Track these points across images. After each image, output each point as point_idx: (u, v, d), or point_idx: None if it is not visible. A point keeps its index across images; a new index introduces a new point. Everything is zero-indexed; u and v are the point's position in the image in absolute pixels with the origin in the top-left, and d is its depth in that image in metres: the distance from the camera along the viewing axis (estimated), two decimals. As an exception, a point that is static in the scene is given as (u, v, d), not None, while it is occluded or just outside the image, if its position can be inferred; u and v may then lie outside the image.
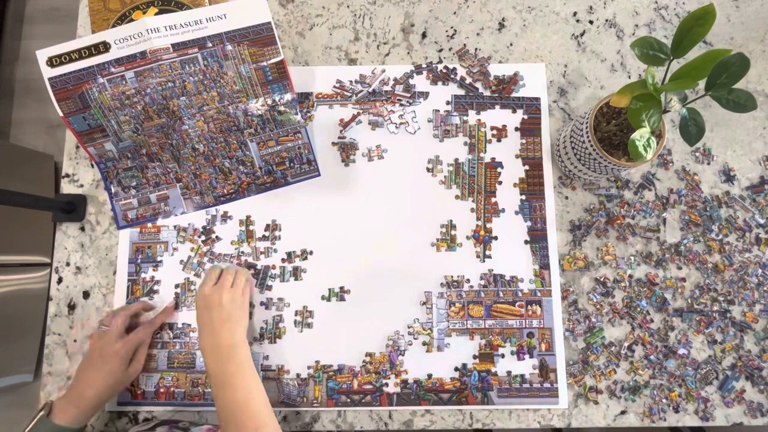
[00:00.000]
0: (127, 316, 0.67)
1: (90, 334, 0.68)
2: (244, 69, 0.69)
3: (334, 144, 0.76)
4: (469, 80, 0.77)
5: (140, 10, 0.71)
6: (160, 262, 0.72)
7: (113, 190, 0.73)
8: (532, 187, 0.74)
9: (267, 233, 0.73)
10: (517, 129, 0.76)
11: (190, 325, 0.71)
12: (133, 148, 0.70)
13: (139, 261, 0.72)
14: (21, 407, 1.50)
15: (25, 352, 1.41)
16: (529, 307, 0.71)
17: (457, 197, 0.74)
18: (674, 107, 0.57)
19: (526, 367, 0.70)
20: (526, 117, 0.76)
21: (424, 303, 0.71)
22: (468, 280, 0.72)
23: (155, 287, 0.72)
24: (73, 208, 0.73)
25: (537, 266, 0.72)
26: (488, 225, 0.73)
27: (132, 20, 0.70)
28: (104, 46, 0.67)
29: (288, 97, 0.72)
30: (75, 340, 0.70)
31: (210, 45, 0.68)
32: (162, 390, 0.69)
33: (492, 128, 0.76)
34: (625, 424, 0.69)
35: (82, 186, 0.75)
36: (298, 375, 0.69)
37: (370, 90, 0.77)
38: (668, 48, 0.55)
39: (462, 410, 0.69)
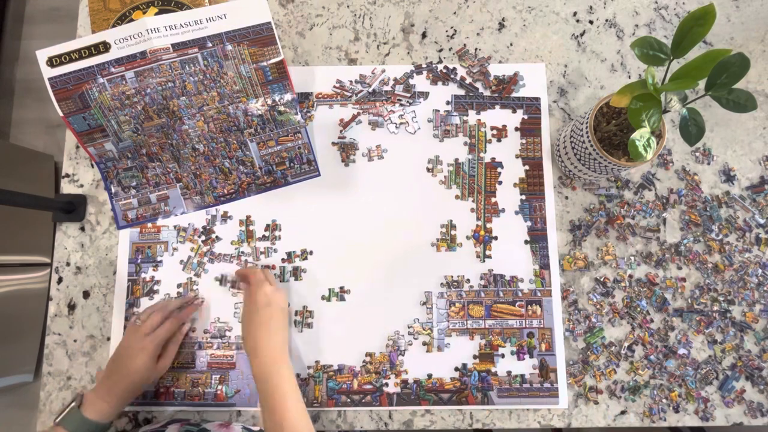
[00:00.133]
0: (164, 314, 0.66)
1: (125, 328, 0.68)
2: (244, 69, 0.69)
3: (334, 144, 0.76)
4: (469, 80, 0.77)
5: (140, 10, 0.71)
6: (160, 262, 0.72)
7: (113, 190, 0.73)
8: (532, 187, 0.74)
9: (267, 233, 0.73)
10: (517, 129, 0.76)
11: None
12: (133, 148, 0.70)
13: (139, 261, 0.72)
14: (21, 407, 1.50)
15: (25, 352, 1.41)
16: (529, 307, 0.71)
17: (457, 197, 0.74)
18: (674, 107, 0.57)
19: (526, 367, 0.70)
20: (526, 117, 0.76)
21: (424, 303, 0.71)
22: (468, 280, 0.72)
23: (155, 287, 0.72)
24: (73, 208, 0.73)
25: (537, 266, 0.72)
26: (488, 225, 0.73)
27: (132, 20, 0.70)
28: (104, 46, 0.67)
29: (288, 97, 0.72)
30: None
31: (210, 45, 0.68)
32: (162, 390, 0.69)
33: (492, 128, 0.76)
34: (625, 424, 0.69)
35: (82, 186, 0.75)
36: (298, 375, 0.69)
37: (370, 90, 0.77)
38: (668, 48, 0.55)
39: (462, 410, 0.69)
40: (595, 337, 0.71)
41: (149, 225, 0.73)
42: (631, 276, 0.72)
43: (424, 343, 0.70)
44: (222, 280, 0.71)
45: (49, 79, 0.67)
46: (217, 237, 0.73)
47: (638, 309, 0.71)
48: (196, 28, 0.68)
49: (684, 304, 0.72)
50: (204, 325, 0.71)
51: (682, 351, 0.70)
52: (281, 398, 0.58)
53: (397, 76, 0.78)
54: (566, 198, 0.74)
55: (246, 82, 0.69)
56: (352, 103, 0.77)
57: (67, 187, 0.75)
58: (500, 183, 0.75)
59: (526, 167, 0.75)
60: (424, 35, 0.79)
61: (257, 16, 0.70)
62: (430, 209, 0.74)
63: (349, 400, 0.69)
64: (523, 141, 0.76)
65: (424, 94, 0.77)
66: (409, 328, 0.71)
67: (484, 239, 0.73)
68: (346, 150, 0.75)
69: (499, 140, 0.76)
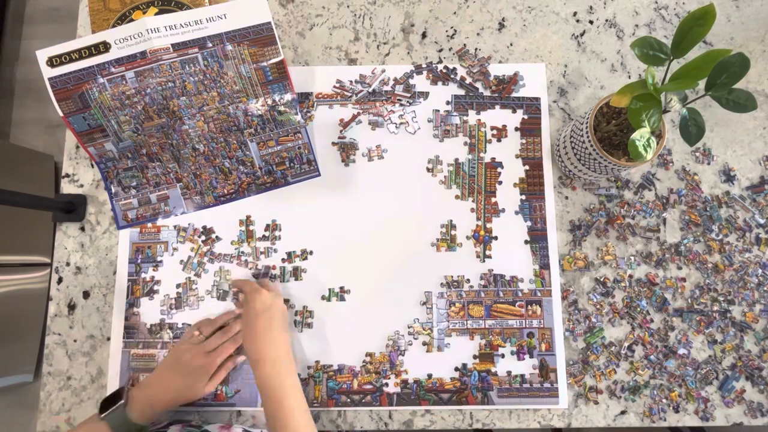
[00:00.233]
0: (227, 335, 0.66)
1: (182, 339, 0.68)
2: (245, 69, 0.69)
3: (334, 144, 0.76)
4: (469, 80, 0.77)
5: (140, 10, 0.71)
6: (160, 262, 0.72)
7: (113, 190, 0.73)
8: (532, 187, 0.74)
9: (267, 233, 0.73)
10: (517, 129, 0.76)
11: (189, 324, 0.71)
12: (133, 148, 0.70)
13: (139, 261, 0.72)
14: (21, 407, 1.50)
15: (25, 352, 1.41)
16: (529, 307, 0.71)
17: (457, 197, 0.74)
18: (674, 107, 0.57)
19: (526, 367, 0.70)
20: (526, 117, 0.76)
21: (424, 303, 0.71)
22: (468, 280, 0.72)
23: (155, 287, 0.72)
24: (73, 208, 0.73)
25: (537, 266, 0.72)
26: (488, 225, 0.73)
27: (132, 20, 0.70)
28: (104, 46, 0.67)
29: (288, 97, 0.72)
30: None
31: (210, 45, 0.68)
32: (162, 390, 0.69)
33: (492, 128, 0.76)
34: (625, 424, 0.69)
35: (82, 186, 0.75)
36: (298, 375, 0.69)
37: (370, 90, 0.77)
38: (668, 48, 0.55)
39: (462, 410, 0.69)
40: (595, 337, 0.71)
41: (149, 225, 0.73)
42: (631, 276, 0.72)
43: (424, 343, 0.70)
44: (220, 295, 0.71)
45: (49, 79, 0.67)
46: (217, 237, 0.73)
47: (638, 309, 0.71)
48: (196, 28, 0.68)
49: (684, 304, 0.72)
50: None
51: (682, 351, 0.70)
52: (288, 413, 0.57)
53: (397, 76, 0.78)
54: (566, 198, 0.74)
55: (246, 82, 0.69)
56: (352, 103, 0.77)
57: (67, 187, 0.75)
58: (500, 183, 0.75)
59: (526, 167, 0.75)
60: (424, 35, 0.79)
61: (257, 16, 0.70)
62: (430, 209, 0.74)
63: (349, 400, 0.69)
64: (523, 141, 0.76)
65: (424, 94, 0.77)
66: (409, 328, 0.71)
67: (484, 239, 0.73)
68: (346, 150, 0.75)
69: (499, 140, 0.76)
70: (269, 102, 0.71)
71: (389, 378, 0.69)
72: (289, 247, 0.73)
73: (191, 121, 0.69)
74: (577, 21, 0.80)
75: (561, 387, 0.69)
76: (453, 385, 0.69)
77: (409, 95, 0.77)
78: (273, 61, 0.70)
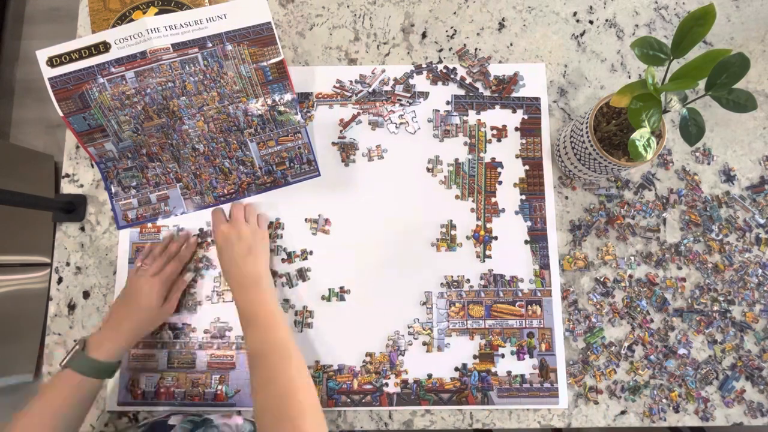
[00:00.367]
0: (168, 256, 0.69)
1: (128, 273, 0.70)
2: (244, 69, 0.69)
3: (334, 144, 0.76)
4: (469, 80, 0.77)
5: (140, 10, 0.71)
6: (160, 262, 0.73)
7: (113, 190, 0.73)
8: (532, 187, 0.74)
9: (269, 231, 0.73)
10: (517, 129, 0.76)
11: (189, 324, 0.71)
12: (133, 148, 0.70)
13: (139, 261, 0.73)
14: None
15: (25, 352, 1.41)
16: (529, 307, 0.71)
17: (457, 197, 0.74)
18: (674, 107, 0.57)
19: (526, 367, 0.70)
20: (526, 117, 0.76)
21: (424, 303, 0.71)
22: (468, 280, 0.72)
23: (155, 287, 0.72)
24: (73, 208, 0.73)
25: (537, 266, 0.72)
26: (488, 225, 0.73)
27: (132, 20, 0.70)
28: (104, 46, 0.67)
29: (288, 97, 0.72)
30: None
31: (210, 45, 0.68)
32: (162, 390, 0.69)
33: (492, 128, 0.76)
34: (625, 424, 0.69)
35: (82, 186, 0.75)
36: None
37: (370, 90, 0.77)
38: (668, 48, 0.55)
39: (462, 410, 0.69)
40: (595, 337, 0.71)
41: (149, 225, 0.73)
42: (631, 276, 0.72)
43: (424, 343, 0.70)
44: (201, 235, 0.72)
45: (49, 79, 0.67)
46: (212, 241, 0.73)
47: (638, 309, 0.71)
48: (196, 28, 0.68)
49: (684, 304, 0.72)
50: (204, 324, 0.71)
51: (682, 351, 0.70)
52: (266, 316, 0.61)
53: (397, 76, 0.78)
54: (566, 198, 0.74)
55: (246, 82, 0.69)
56: (352, 103, 0.77)
57: (67, 187, 0.75)
58: (500, 183, 0.75)
59: (526, 167, 0.75)
60: (424, 35, 0.79)
61: (257, 16, 0.70)
62: (430, 209, 0.74)
63: (349, 400, 0.69)
64: (523, 141, 0.76)
65: (424, 94, 0.77)
66: (409, 328, 0.71)
67: (484, 239, 0.73)
68: (346, 150, 0.75)
69: (499, 140, 0.76)
70: (269, 102, 0.71)
71: (389, 378, 0.69)
72: (289, 247, 0.73)
73: (191, 121, 0.69)
74: (577, 21, 0.80)
75: (561, 387, 0.69)
76: (453, 385, 0.69)
77: (409, 95, 0.77)
78: (273, 61, 0.70)
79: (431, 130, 0.76)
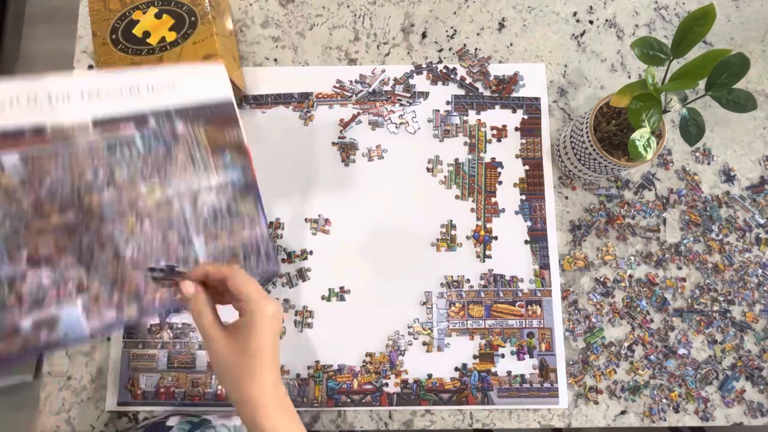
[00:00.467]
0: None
1: None
2: (198, 153, 0.50)
3: (334, 144, 0.76)
4: (469, 80, 0.78)
5: (140, 10, 0.71)
6: (160, 262, 0.72)
7: None
8: (532, 187, 0.74)
9: (270, 230, 0.73)
10: (517, 129, 0.76)
11: (189, 324, 0.71)
12: (2, 249, 0.43)
13: (139, 261, 0.72)
14: (21, 407, 1.50)
15: (25, 352, 1.41)
16: (529, 307, 0.71)
17: (457, 197, 0.74)
18: (674, 107, 0.57)
19: (526, 367, 0.70)
20: (526, 117, 0.76)
21: (424, 303, 0.71)
22: (468, 280, 0.72)
23: (155, 287, 0.71)
24: (73, 209, 0.71)
25: (537, 266, 0.72)
26: (488, 225, 0.73)
27: (132, 20, 0.70)
28: None
29: (246, 183, 0.54)
30: None
31: (153, 123, 0.47)
32: (162, 390, 0.69)
33: (492, 128, 0.76)
34: (625, 424, 0.69)
35: (82, 186, 0.75)
36: (298, 375, 0.69)
37: (370, 90, 0.77)
38: (668, 48, 0.56)
39: (462, 410, 0.69)
40: (595, 337, 0.71)
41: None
42: (631, 276, 0.72)
43: (424, 343, 0.70)
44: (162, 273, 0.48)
45: None
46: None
47: (638, 309, 0.71)
48: (132, 98, 0.46)
49: (684, 304, 0.72)
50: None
51: (682, 351, 0.70)
52: None
53: (397, 76, 0.78)
54: (566, 198, 0.75)
55: (199, 167, 0.50)
56: (352, 103, 0.77)
57: (67, 187, 0.75)
58: (500, 183, 0.75)
59: (526, 167, 0.75)
60: (424, 35, 0.79)
61: (216, 90, 0.51)
62: (430, 209, 0.74)
63: (349, 400, 0.69)
64: (523, 141, 0.76)
65: (424, 94, 0.77)
66: (409, 328, 0.71)
67: (484, 239, 0.73)
68: (346, 150, 0.75)
69: (499, 140, 0.76)
70: (225, 190, 0.52)
71: (389, 378, 0.69)
72: (289, 247, 0.73)
73: (119, 220, 0.46)
74: (577, 21, 0.80)
75: (561, 387, 0.69)
76: (453, 385, 0.69)
77: (409, 95, 0.77)
78: (233, 143, 0.52)
79: (431, 130, 0.76)
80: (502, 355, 0.70)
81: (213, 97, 0.51)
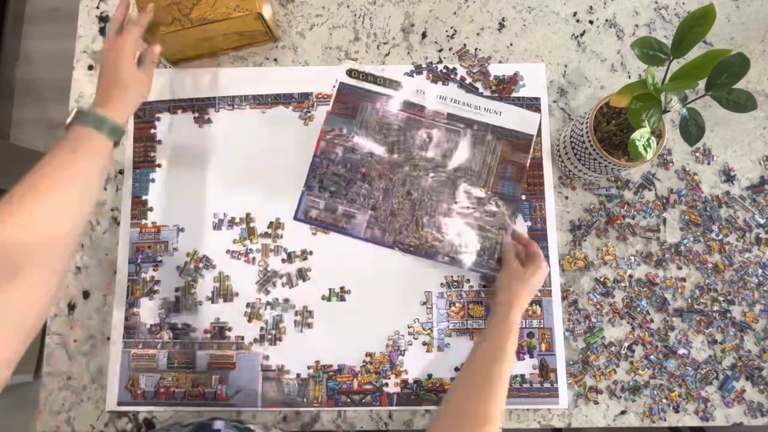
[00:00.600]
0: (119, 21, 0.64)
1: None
2: (491, 158, 0.73)
3: (334, 144, 0.76)
4: (469, 80, 0.77)
5: None
6: (160, 261, 0.72)
7: (310, 184, 0.73)
8: (532, 187, 0.74)
9: (269, 230, 0.73)
10: (517, 129, 0.77)
11: (189, 324, 0.71)
12: (357, 162, 0.74)
13: (139, 261, 0.72)
14: (21, 407, 1.50)
15: (25, 352, 1.40)
16: (529, 307, 0.71)
17: (457, 197, 0.75)
18: (674, 107, 0.57)
19: (526, 367, 0.70)
20: (526, 117, 0.77)
21: (424, 303, 0.71)
22: (468, 280, 0.72)
23: (155, 287, 0.72)
24: (74, 209, 0.72)
25: (537, 266, 0.72)
26: (488, 225, 0.74)
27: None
28: (396, 86, 0.76)
29: (513, 195, 0.73)
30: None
31: (475, 128, 0.74)
32: (162, 390, 0.69)
33: (492, 128, 0.77)
34: (625, 424, 0.69)
35: (82, 186, 0.75)
36: (298, 375, 0.69)
37: (371, 90, 0.78)
38: (668, 48, 0.55)
39: (462, 410, 0.69)
40: (595, 337, 0.71)
41: (149, 225, 0.73)
42: (631, 276, 0.72)
43: (424, 343, 0.70)
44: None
45: (341, 83, 0.76)
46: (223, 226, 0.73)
47: (638, 309, 0.71)
48: (469, 110, 0.75)
49: (684, 304, 0.72)
50: (204, 324, 0.71)
51: (682, 351, 0.70)
52: (498, 376, 0.56)
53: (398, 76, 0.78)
54: (566, 198, 0.74)
55: (485, 170, 0.73)
56: (353, 103, 0.77)
57: (67, 187, 0.75)
58: (500, 183, 0.76)
59: (527, 167, 0.76)
60: (424, 35, 0.79)
61: (527, 126, 0.75)
62: (430, 209, 0.74)
63: (349, 400, 0.69)
64: (524, 141, 0.77)
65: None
66: (409, 328, 0.71)
67: (484, 239, 0.73)
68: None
69: (499, 140, 0.76)
70: (492, 198, 0.73)
71: (389, 378, 0.69)
72: (289, 247, 0.73)
73: (423, 173, 0.73)
74: (577, 21, 0.80)
75: (561, 387, 0.69)
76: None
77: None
78: (518, 162, 0.74)
79: (431, 130, 0.77)
80: (502, 355, 0.70)
81: (522, 130, 0.75)
